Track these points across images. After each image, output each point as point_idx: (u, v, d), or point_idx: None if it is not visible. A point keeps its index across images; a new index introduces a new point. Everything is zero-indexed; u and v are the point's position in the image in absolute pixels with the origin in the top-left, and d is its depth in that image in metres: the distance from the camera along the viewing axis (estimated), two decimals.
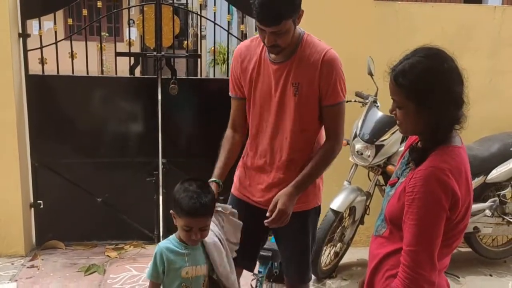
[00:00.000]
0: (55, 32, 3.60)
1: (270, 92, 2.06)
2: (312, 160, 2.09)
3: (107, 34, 5.84)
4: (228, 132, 2.25)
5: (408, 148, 1.66)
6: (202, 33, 5.27)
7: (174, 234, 1.93)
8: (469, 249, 3.84)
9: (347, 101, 3.48)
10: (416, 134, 1.60)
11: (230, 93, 2.22)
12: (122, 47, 3.80)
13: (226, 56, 4.43)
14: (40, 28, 3.62)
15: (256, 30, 2.06)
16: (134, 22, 5.64)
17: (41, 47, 3.61)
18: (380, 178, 3.51)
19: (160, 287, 1.90)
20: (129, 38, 3.71)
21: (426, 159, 1.48)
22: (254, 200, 2.21)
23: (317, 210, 2.28)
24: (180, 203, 1.80)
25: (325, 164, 2.12)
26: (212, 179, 2.13)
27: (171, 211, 1.90)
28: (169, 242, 1.89)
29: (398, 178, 1.62)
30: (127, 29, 3.99)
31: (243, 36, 3.90)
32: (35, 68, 3.69)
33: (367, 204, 3.47)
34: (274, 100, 2.06)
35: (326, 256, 3.49)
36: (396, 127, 3.27)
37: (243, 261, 2.26)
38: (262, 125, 2.12)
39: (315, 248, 3.25)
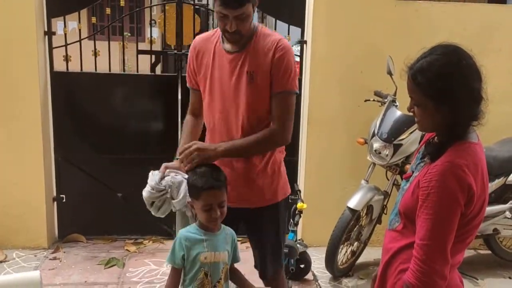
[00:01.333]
0: (79, 30, 3.69)
1: (226, 82, 2.08)
2: (248, 137, 2.07)
3: (129, 34, 5.93)
4: (188, 117, 2.31)
5: (424, 143, 1.67)
6: None
7: (194, 223, 1.99)
8: (489, 251, 3.80)
9: (365, 100, 3.58)
10: (434, 131, 1.60)
11: (187, 85, 2.28)
12: (143, 47, 3.87)
13: None
14: (64, 26, 3.71)
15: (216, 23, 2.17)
16: (156, 22, 5.74)
17: (66, 45, 3.70)
18: (398, 177, 3.50)
19: (180, 273, 1.95)
20: (151, 36, 3.78)
21: (442, 154, 1.48)
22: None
23: (286, 201, 2.31)
24: (195, 184, 1.88)
25: (259, 143, 2.06)
26: (176, 157, 2.16)
27: (188, 200, 1.95)
28: (189, 229, 1.95)
29: (413, 172, 1.63)
30: (149, 29, 4.05)
31: None
32: (59, 66, 3.79)
33: (385, 203, 3.46)
34: (230, 90, 2.08)
35: (343, 254, 3.50)
36: (415, 127, 3.27)
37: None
38: (219, 116, 2.13)
39: (331, 245, 3.27)
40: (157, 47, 5.33)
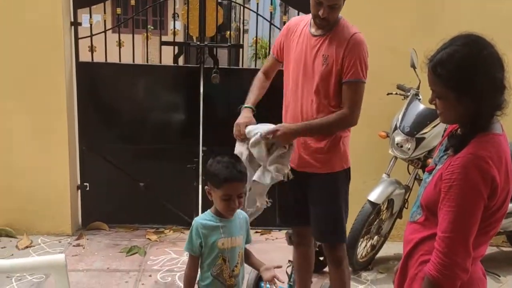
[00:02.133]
0: (104, 21, 3.74)
1: (305, 61, 2.35)
2: (321, 118, 2.33)
3: (152, 27, 5.99)
4: (260, 74, 2.62)
5: (448, 135, 1.65)
6: (245, 27, 5.31)
7: (209, 210, 2.03)
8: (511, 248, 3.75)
9: (388, 94, 3.55)
10: (457, 122, 1.59)
11: (271, 52, 2.62)
12: (166, 39, 3.90)
13: (267, 51, 4.46)
14: (90, 17, 3.77)
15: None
16: (178, 16, 5.78)
17: (91, 35, 3.76)
18: (420, 172, 3.47)
19: (198, 260, 1.99)
20: (174, 27, 3.81)
21: (465, 146, 1.47)
22: (295, 165, 2.44)
23: (346, 173, 2.49)
24: (217, 174, 1.92)
25: (331, 124, 2.33)
26: (246, 105, 2.48)
27: (206, 187, 2.00)
28: (204, 217, 1.99)
29: (436, 165, 1.61)
30: (172, 22, 4.08)
31: None
32: (83, 57, 3.85)
33: (406, 197, 3.44)
34: (307, 68, 2.34)
35: (363, 248, 3.49)
36: (438, 120, 3.24)
37: (296, 219, 2.62)
38: (293, 89, 2.42)
39: (351, 237, 3.26)
40: (179, 39, 5.38)
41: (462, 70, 1.44)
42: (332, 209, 2.46)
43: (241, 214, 2.05)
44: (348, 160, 2.50)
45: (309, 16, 2.40)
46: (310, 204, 2.50)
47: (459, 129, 1.60)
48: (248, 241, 2.09)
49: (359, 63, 2.27)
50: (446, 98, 1.49)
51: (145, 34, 3.74)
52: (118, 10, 3.76)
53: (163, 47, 3.78)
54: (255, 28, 3.87)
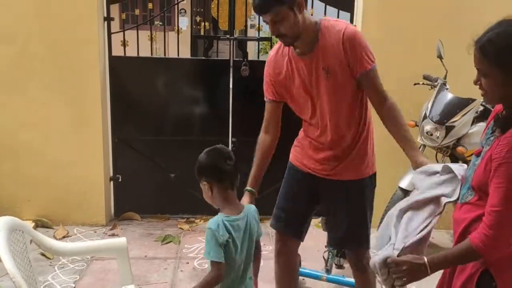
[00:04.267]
0: (136, 16, 3.83)
1: (307, 83, 2.16)
2: (394, 125, 2.18)
3: (161, 23, 6.06)
4: (261, 135, 2.35)
5: (493, 118, 1.72)
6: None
7: (219, 215, 1.93)
8: None
9: (415, 84, 3.63)
10: (502, 102, 1.65)
11: (265, 98, 2.33)
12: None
13: None
14: (122, 12, 3.86)
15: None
16: (185, 11, 5.86)
17: (123, 30, 3.85)
18: (448, 160, 3.56)
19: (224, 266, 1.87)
20: (204, 22, 3.90)
21: None
22: (309, 167, 2.34)
23: (372, 179, 2.36)
24: (220, 168, 1.90)
25: (402, 118, 2.21)
26: (247, 188, 2.23)
27: (204, 183, 1.93)
28: (218, 219, 1.89)
29: (483, 147, 1.68)
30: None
31: None
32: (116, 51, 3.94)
33: None
34: (313, 90, 2.17)
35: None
36: (468, 109, 3.33)
37: (291, 226, 2.42)
38: (308, 113, 2.24)
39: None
40: (187, 34, 5.42)
41: (510, 48, 1.49)
42: (358, 217, 2.34)
43: (251, 207, 2.01)
44: (374, 165, 2.37)
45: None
46: (330, 212, 2.39)
47: (504, 111, 1.67)
48: (259, 234, 2.02)
49: (365, 53, 2.10)
50: (493, 77, 1.54)
51: (176, 27, 3.83)
52: (150, 5, 3.85)
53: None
54: None
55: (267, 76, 2.29)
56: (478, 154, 1.71)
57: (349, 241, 2.41)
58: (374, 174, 2.38)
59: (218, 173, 1.89)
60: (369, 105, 2.28)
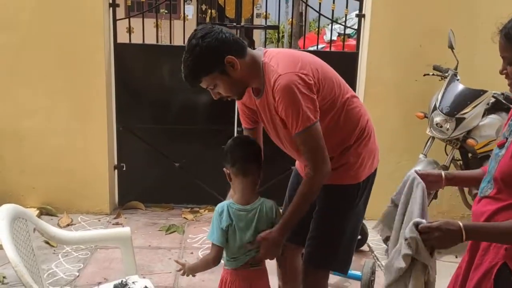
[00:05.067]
0: (142, 2, 3.77)
1: (265, 121, 2.05)
2: (295, 197, 1.95)
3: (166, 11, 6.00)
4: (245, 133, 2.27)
5: None
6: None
7: (228, 200, 2.01)
8: None
9: (424, 75, 3.57)
10: None
11: (243, 126, 2.21)
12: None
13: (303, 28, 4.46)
14: None
15: None
16: (191, 0, 5.80)
17: (129, 17, 3.80)
18: (457, 153, 3.51)
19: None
20: (211, 9, 3.83)
21: None
22: (301, 171, 2.18)
23: (353, 188, 2.05)
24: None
25: (307, 197, 1.94)
26: None
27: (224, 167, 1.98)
28: (226, 205, 1.97)
29: (507, 139, 1.64)
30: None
31: (320, 9, 3.91)
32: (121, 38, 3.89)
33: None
34: (272, 130, 2.05)
35: None
36: (479, 100, 3.27)
37: (296, 236, 2.13)
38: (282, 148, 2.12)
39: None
40: (193, 22, 5.37)
41: None
42: (330, 229, 2.08)
43: (268, 203, 2.02)
44: (359, 175, 2.05)
45: None
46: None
47: None
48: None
49: (292, 113, 1.83)
50: None
51: (183, 14, 3.77)
52: None
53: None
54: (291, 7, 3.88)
55: (239, 107, 2.17)
56: (501, 146, 1.67)
57: (307, 258, 2.12)
58: (357, 186, 2.07)
59: (230, 159, 1.95)
60: (365, 108, 2.12)
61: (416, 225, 1.55)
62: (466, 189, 3.59)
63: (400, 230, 1.73)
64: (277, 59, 1.89)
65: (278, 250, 1.99)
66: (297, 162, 2.27)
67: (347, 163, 2.03)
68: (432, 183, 1.78)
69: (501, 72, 1.61)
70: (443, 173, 1.80)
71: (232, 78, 1.86)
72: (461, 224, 1.50)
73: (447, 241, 1.52)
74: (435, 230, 1.52)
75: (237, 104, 2.19)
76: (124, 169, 4.04)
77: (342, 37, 4.42)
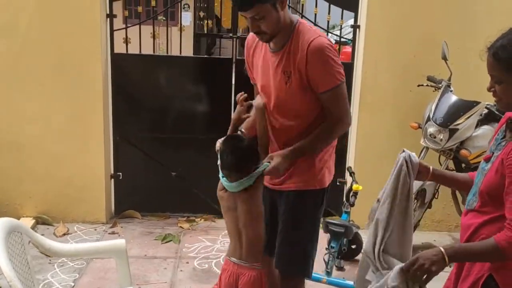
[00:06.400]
0: (139, 13, 3.80)
1: (270, 80, 2.10)
2: (316, 130, 2.08)
3: (164, 19, 6.04)
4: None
5: (505, 123, 1.71)
6: None
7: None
8: None
9: (418, 85, 3.60)
10: None
11: (251, 81, 2.31)
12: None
13: None
14: (125, 9, 3.83)
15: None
16: (189, 6, 5.86)
17: (126, 27, 3.83)
18: (451, 163, 3.53)
19: None
20: (207, 20, 3.87)
21: None
22: (267, 182, 2.23)
23: (318, 194, 2.18)
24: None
25: (325, 138, 2.10)
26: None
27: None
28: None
29: (493, 153, 1.67)
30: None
31: (315, 19, 3.96)
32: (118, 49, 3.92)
33: (437, 188, 3.50)
34: (272, 89, 2.10)
35: None
36: (472, 112, 3.30)
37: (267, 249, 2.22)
38: (269, 112, 2.16)
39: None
40: (190, 31, 5.40)
41: None
42: (296, 234, 2.17)
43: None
44: (324, 181, 2.18)
45: None
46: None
47: None
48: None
49: (329, 70, 1.98)
50: (507, 83, 1.54)
51: (180, 25, 3.80)
52: (153, 3, 3.82)
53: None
54: None
55: (246, 59, 2.26)
56: (487, 160, 1.70)
57: (279, 263, 2.20)
58: (322, 192, 2.19)
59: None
60: None
61: (399, 269, 1.59)
62: (460, 199, 3.63)
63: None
64: (312, 26, 2.09)
65: (282, 170, 2.05)
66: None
67: (314, 165, 2.15)
68: (419, 173, 1.84)
69: (488, 90, 1.64)
70: (431, 167, 1.85)
71: (278, 16, 1.96)
72: (442, 249, 1.55)
73: (432, 269, 1.54)
74: (418, 262, 1.55)
75: (246, 59, 2.25)
76: (121, 178, 4.05)
77: (338, 45, 4.45)
